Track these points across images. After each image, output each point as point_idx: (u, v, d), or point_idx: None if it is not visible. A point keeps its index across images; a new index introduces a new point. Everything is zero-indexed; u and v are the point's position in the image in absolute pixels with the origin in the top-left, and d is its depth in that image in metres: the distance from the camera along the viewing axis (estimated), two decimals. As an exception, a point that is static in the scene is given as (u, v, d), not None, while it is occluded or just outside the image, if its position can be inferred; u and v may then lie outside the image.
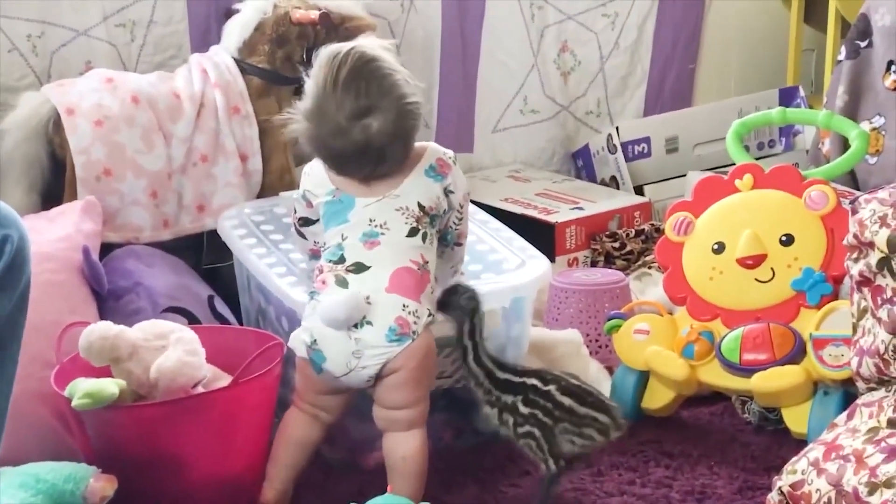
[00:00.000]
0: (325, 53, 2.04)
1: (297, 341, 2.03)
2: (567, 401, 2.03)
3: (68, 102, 2.61)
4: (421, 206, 2.03)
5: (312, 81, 2.03)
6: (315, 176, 2.08)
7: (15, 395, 1.74)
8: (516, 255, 2.36)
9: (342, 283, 1.99)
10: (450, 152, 2.11)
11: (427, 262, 2.03)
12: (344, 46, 2.04)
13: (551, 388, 2.04)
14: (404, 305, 1.97)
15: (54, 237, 2.37)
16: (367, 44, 2.05)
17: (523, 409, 2.04)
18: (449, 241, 2.14)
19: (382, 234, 2.01)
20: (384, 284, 1.98)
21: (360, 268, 2.00)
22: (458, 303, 2.04)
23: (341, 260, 2.01)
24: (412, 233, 2.02)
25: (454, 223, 2.12)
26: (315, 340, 1.99)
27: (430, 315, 2.01)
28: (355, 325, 1.96)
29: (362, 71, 2.00)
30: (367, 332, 1.96)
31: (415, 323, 1.97)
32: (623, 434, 2.06)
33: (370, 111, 1.99)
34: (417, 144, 2.07)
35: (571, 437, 2.03)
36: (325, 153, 2.04)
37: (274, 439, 2.07)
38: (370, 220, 2.02)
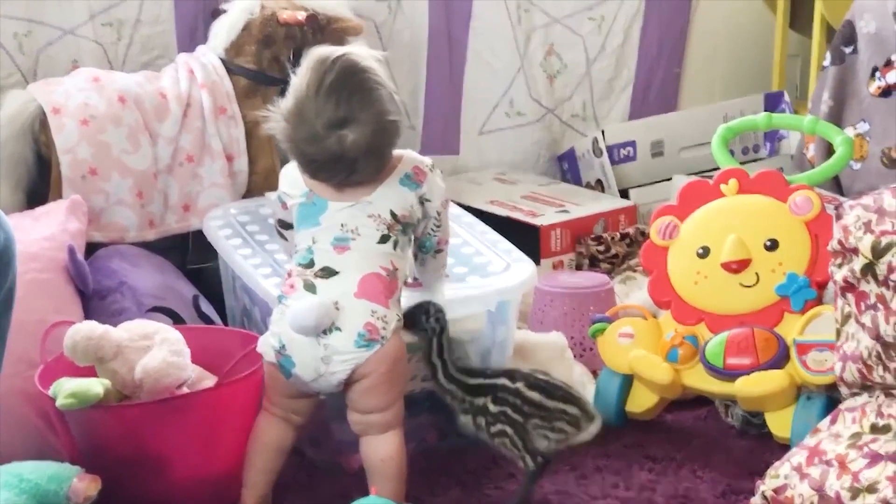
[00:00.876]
0: (314, 56, 2.02)
1: (266, 346, 2.02)
2: (535, 395, 2.05)
3: (54, 101, 2.61)
4: (393, 214, 2.02)
5: (297, 83, 2.01)
6: (290, 177, 2.08)
7: (-1, 394, 1.74)
8: (502, 258, 2.36)
9: (310, 287, 1.98)
10: (427, 160, 2.09)
11: (397, 270, 2.02)
12: (335, 51, 2.02)
13: (519, 384, 2.06)
14: (373, 311, 1.96)
15: (39, 236, 2.37)
16: (359, 52, 2.03)
17: (493, 408, 2.06)
18: (428, 247, 2.12)
19: (353, 239, 2.00)
20: (353, 290, 1.97)
21: (328, 273, 1.99)
22: (426, 323, 2.06)
23: (310, 264, 2.00)
24: (383, 240, 2.01)
25: (432, 230, 2.10)
26: (284, 346, 1.98)
27: (398, 320, 2.01)
28: (324, 331, 1.95)
29: (348, 81, 1.98)
30: (336, 338, 1.96)
31: (383, 328, 1.97)
32: (597, 425, 2.08)
33: (348, 122, 1.96)
34: (395, 152, 2.05)
35: (544, 431, 2.05)
36: (299, 157, 2.03)
37: (248, 445, 2.06)
38: (342, 225, 2.00)
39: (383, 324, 1.97)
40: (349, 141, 1.96)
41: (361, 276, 1.98)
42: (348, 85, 1.98)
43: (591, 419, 2.07)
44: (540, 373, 2.10)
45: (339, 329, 1.95)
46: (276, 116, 2.02)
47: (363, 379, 1.98)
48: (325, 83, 1.98)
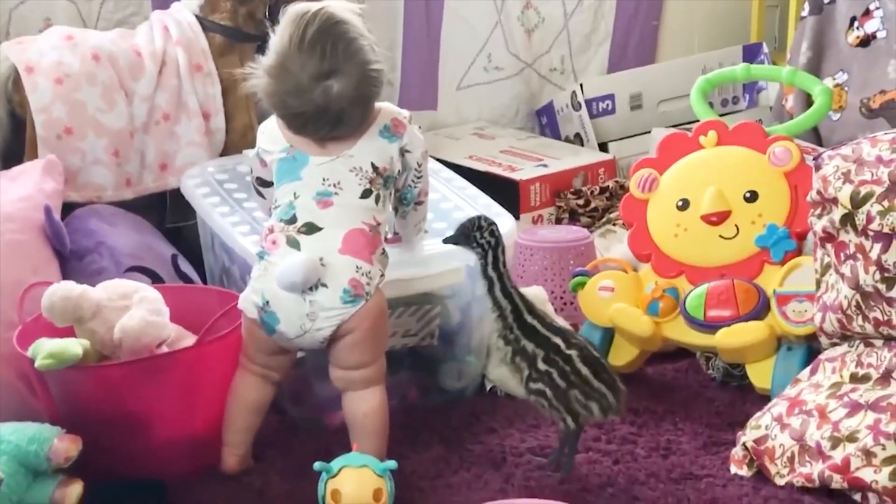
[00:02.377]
0: (293, 11, 2.01)
1: (248, 303, 2.01)
2: (584, 370, 2.00)
3: (28, 60, 2.58)
4: (374, 167, 2.01)
5: (277, 38, 2.01)
6: (270, 133, 2.07)
7: (-23, 356, 1.73)
8: (481, 212, 2.35)
9: (293, 243, 1.98)
10: (405, 112, 2.10)
11: (379, 224, 2.02)
12: (313, 6, 2.01)
13: (573, 352, 2.00)
14: (357, 267, 1.96)
15: (15, 197, 2.35)
16: (337, 5, 2.02)
17: (541, 366, 2.00)
18: (409, 199, 2.13)
19: (336, 193, 1.99)
20: (337, 246, 1.97)
21: (311, 228, 1.98)
22: (480, 238, 2.01)
23: (293, 220, 1.99)
24: (365, 194, 2.00)
25: (413, 182, 2.11)
26: (267, 302, 1.98)
27: (381, 275, 2.00)
28: (310, 288, 1.95)
29: (329, 33, 1.98)
30: (322, 294, 1.95)
31: (368, 284, 1.97)
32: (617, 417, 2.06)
33: (332, 74, 1.97)
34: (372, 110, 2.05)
35: (578, 406, 2.00)
36: (283, 111, 2.02)
37: (226, 404, 2.05)
38: (324, 180, 2.00)
39: (367, 279, 1.97)
40: (335, 91, 1.96)
41: (345, 233, 1.97)
42: (330, 36, 1.98)
43: (618, 412, 2.03)
44: (593, 346, 2.05)
45: (324, 285, 1.95)
46: (259, 73, 2.02)
47: (347, 335, 1.98)
48: (306, 36, 1.97)
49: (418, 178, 2.11)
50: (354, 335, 1.98)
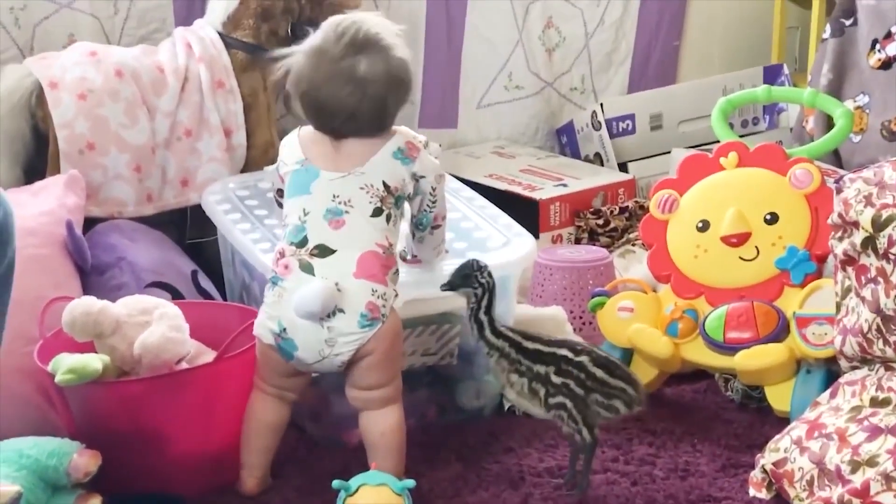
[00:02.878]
0: (332, 20, 2.05)
1: (263, 329, 2.01)
2: (599, 372, 2.02)
3: (51, 76, 2.60)
4: (386, 186, 2.01)
5: (318, 33, 2.04)
6: (289, 145, 2.08)
7: (-2, 370, 1.74)
8: (501, 232, 2.35)
9: (307, 268, 1.97)
10: (421, 137, 2.10)
11: (392, 245, 2.02)
12: (356, 16, 2.05)
13: (583, 358, 2.02)
14: (373, 290, 1.96)
15: (37, 211, 2.36)
16: (377, 20, 2.05)
17: (556, 379, 2.01)
18: (425, 224, 2.12)
19: (347, 212, 1.99)
20: (352, 269, 1.96)
21: (324, 251, 1.97)
22: (479, 279, 2.02)
23: (303, 242, 1.98)
24: (376, 212, 2.00)
25: (428, 207, 2.09)
26: (284, 329, 1.98)
27: (395, 295, 2.01)
28: (328, 314, 1.95)
29: (368, 35, 2.01)
30: (340, 320, 1.95)
31: (383, 306, 1.97)
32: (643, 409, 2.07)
33: (368, 64, 1.99)
34: (389, 131, 2.06)
35: (599, 408, 2.03)
36: (309, 94, 2.03)
37: (243, 425, 2.05)
38: (334, 196, 1.99)
39: (383, 301, 1.97)
40: (361, 69, 1.99)
41: (359, 255, 1.97)
42: (370, 38, 2.02)
43: (643, 403, 2.04)
44: (600, 348, 2.08)
45: (341, 311, 1.95)
46: (298, 53, 2.04)
47: (365, 358, 1.98)
48: (346, 35, 2.01)
49: (433, 202, 2.10)
50: (372, 358, 1.98)
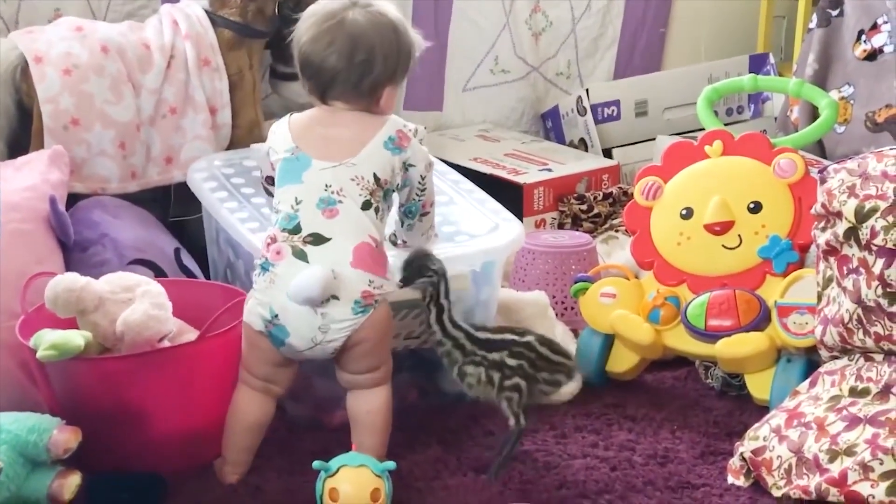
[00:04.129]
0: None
1: (254, 316, 1.99)
2: (545, 350, 2.07)
3: (37, 50, 2.58)
4: (376, 178, 2.00)
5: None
6: (279, 133, 2.06)
7: (-21, 345, 1.73)
8: (489, 217, 2.35)
9: (300, 254, 1.96)
10: (411, 125, 2.09)
11: (381, 240, 2.02)
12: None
13: (530, 338, 2.07)
14: (370, 281, 1.96)
15: (21, 186, 2.35)
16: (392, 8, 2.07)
17: (511, 362, 2.05)
18: (414, 212, 2.11)
19: (340, 201, 1.97)
20: (349, 258, 1.95)
21: (318, 239, 1.96)
22: (430, 268, 2.03)
23: (297, 229, 1.97)
24: (366, 205, 1.99)
25: (417, 195, 2.09)
26: (276, 315, 1.96)
27: (392, 284, 2.01)
28: (322, 301, 1.94)
29: (364, 3, 2.03)
30: (334, 307, 1.94)
31: (378, 293, 1.97)
32: (578, 384, 2.20)
33: (356, 21, 2.01)
34: (376, 117, 2.04)
35: (545, 385, 2.08)
36: (300, 53, 2.04)
37: (227, 421, 2.04)
38: (326, 186, 1.98)
39: (379, 291, 1.97)
40: (350, 18, 2.00)
41: (355, 245, 1.96)
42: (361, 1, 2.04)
43: (576, 371, 2.13)
44: (528, 329, 2.13)
45: (336, 298, 1.94)
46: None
47: (358, 345, 1.98)
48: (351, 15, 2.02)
49: (422, 191, 2.09)
50: (364, 345, 1.98)
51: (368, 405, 2.01)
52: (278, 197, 2.03)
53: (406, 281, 2.04)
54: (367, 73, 2.02)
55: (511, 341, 2.07)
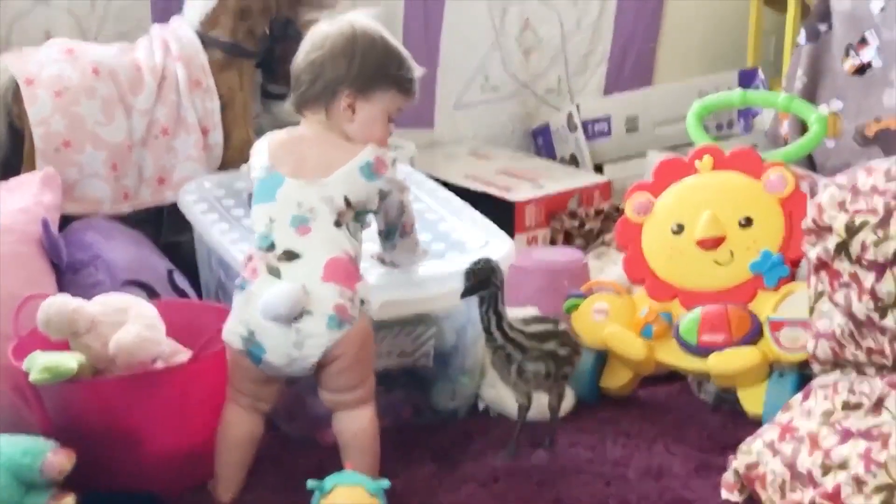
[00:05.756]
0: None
1: (232, 335, 1.99)
2: (572, 335, 2.20)
3: (28, 72, 2.59)
4: (347, 201, 1.99)
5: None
6: (258, 152, 2.07)
7: (-28, 368, 1.73)
8: (479, 234, 2.36)
9: (274, 272, 1.96)
10: (391, 154, 2.07)
11: (356, 256, 2.01)
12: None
13: (564, 326, 2.19)
14: (341, 293, 1.95)
15: (13, 208, 2.36)
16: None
17: (562, 352, 2.16)
18: (393, 233, 2.12)
19: (312, 220, 1.97)
20: (319, 273, 1.95)
21: (290, 256, 1.97)
22: (496, 278, 2.08)
23: (271, 247, 1.98)
24: (336, 224, 1.99)
25: (395, 219, 2.10)
26: (252, 332, 1.96)
27: (362, 302, 1.99)
28: (295, 317, 1.94)
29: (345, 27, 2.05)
30: (308, 322, 1.94)
31: (352, 308, 1.96)
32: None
33: (319, 27, 2.06)
34: (359, 144, 2.04)
35: (574, 369, 2.22)
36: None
37: (217, 439, 2.04)
38: (298, 204, 1.98)
39: (351, 304, 1.96)
40: (314, 29, 2.06)
41: (327, 260, 1.96)
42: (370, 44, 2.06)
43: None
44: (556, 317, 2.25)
45: (309, 313, 1.94)
46: None
47: (335, 361, 1.97)
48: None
49: (400, 214, 2.10)
50: (342, 361, 1.97)
51: (354, 427, 2.01)
52: (254, 216, 2.03)
53: (468, 291, 2.06)
54: (320, 73, 2.03)
55: (554, 331, 2.16)
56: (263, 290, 1.95)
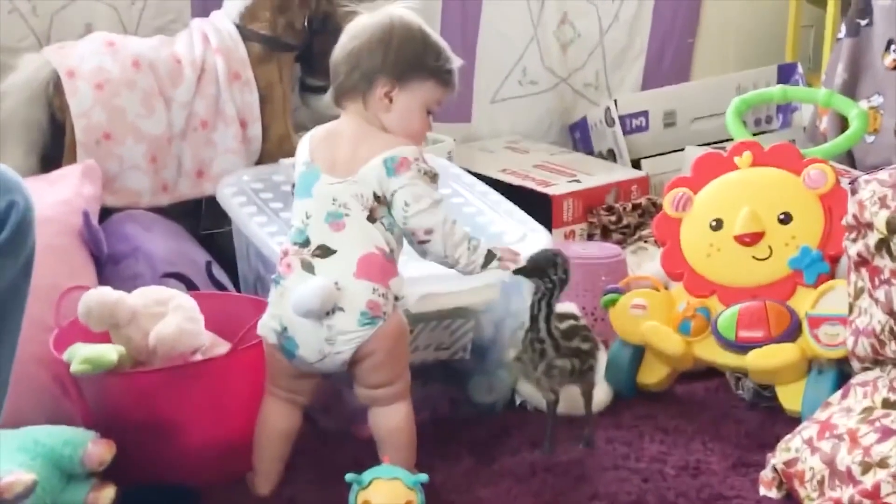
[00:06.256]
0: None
1: (266, 329, 2.00)
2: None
3: (69, 65, 2.60)
4: (376, 197, 1.97)
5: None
6: (301, 146, 2.07)
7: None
8: (517, 227, 2.36)
9: (308, 267, 1.96)
10: (426, 165, 2.00)
11: (392, 251, 1.99)
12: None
13: (582, 321, 2.20)
14: (374, 289, 1.95)
15: (54, 200, 2.37)
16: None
17: (585, 346, 2.17)
18: (408, 237, 2.01)
19: (347, 215, 1.96)
20: (352, 269, 1.95)
21: (325, 252, 1.96)
22: (556, 273, 2.08)
23: (306, 243, 1.98)
24: (370, 220, 1.97)
25: (401, 222, 1.98)
26: (286, 328, 1.97)
27: (397, 299, 1.98)
28: (327, 313, 1.94)
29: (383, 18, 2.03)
30: (339, 319, 1.94)
31: (385, 304, 1.96)
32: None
33: (360, 18, 2.04)
34: (392, 138, 2.01)
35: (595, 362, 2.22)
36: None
37: (256, 432, 2.05)
38: (333, 200, 1.98)
39: (384, 301, 1.95)
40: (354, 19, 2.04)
41: (360, 256, 1.95)
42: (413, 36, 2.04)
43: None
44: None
45: (341, 309, 1.94)
46: None
47: (368, 357, 1.97)
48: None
49: (405, 218, 1.97)
50: (375, 357, 1.97)
51: (390, 423, 2.01)
52: (293, 211, 2.04)
53: (520, 272, 2.07)
54: (357, 62, 2.01)
55: (576, 327, 2.17)
56: (297, 285, 1.95)
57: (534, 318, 2.09)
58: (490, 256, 2.03)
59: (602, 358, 2.34)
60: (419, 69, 2.03)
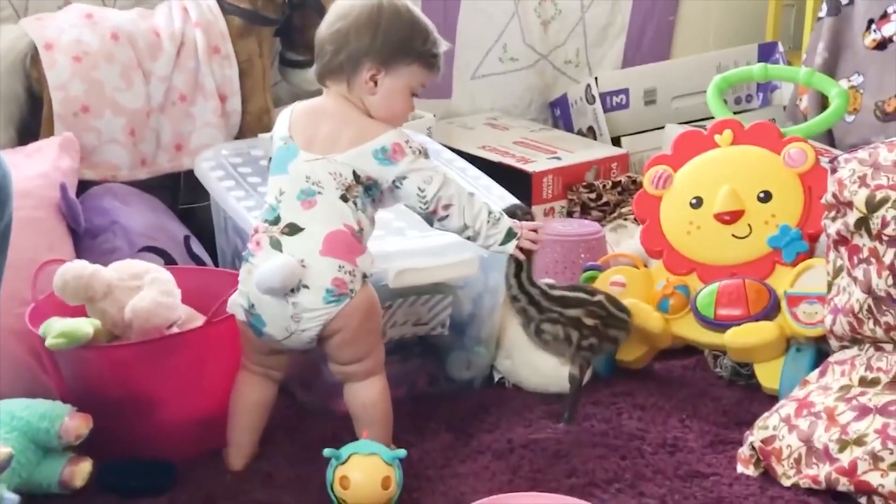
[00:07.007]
0: None
1: (235, 306, 2.00)
2: (612, 308, 2.18)
3: (47, 37, 2.58)
4: (356, 176, 1.95)
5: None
6: (280, 119, 2.05)
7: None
8: (496, 203, 2.35)
9: (276, 244, 1.95)
10: (416, 143, 1.99)
11: (362, 230, 1.97)
12: None
13: (600, 297, 2.17)
14: (340, 266, 1.94)
15: (32, 173, 2.35)
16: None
17: (588, 321, 2.15)
18: (429, 219, 2.01)
19: (319, 192, 1.95)
20: (318, 247, 1.94)
21: (293, 229, 1.95)
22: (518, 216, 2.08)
23: (276, 220, 1.97)
24: (343, 199, 1.96)
25: (421, 207, 1.98)
26: (253, 305, 1.97)
27: (365, 276, 1.97)
28: (291, 290, 1.93)
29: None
30: (304, 296, 1.93)
31: (351, 282, 1.95)
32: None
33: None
34: (374, 124, 1.99)
35: (608, 344, 2.21)
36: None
37: (230, 404, 2.05)
38: (307, 177, 1.96)
39: (351, 277, 1.94)
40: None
41: (326, 234, 1.94)
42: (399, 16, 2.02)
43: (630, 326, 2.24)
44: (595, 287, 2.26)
45: (306, 287, 1.93)
46: None
47: (336, 334, 1.97)
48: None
49: (425, 203, 1.97)
50: (343, 334, 1.97)
51: (363, 398, 2.01)
52: (268, 187, 2.02)
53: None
54: (343, 43, 1.98)
55: (585, 300, 2.15)
56: (263, 262, 1.95)
57: (506, 276, 2.10)
58: (511, 234, 2.03)
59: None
60: (406, 53, 2.00)
